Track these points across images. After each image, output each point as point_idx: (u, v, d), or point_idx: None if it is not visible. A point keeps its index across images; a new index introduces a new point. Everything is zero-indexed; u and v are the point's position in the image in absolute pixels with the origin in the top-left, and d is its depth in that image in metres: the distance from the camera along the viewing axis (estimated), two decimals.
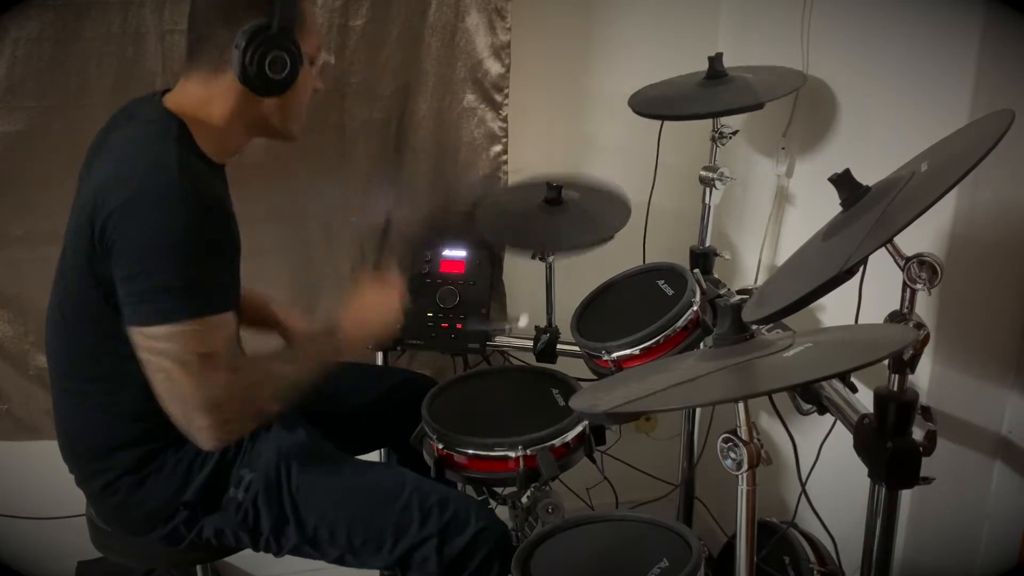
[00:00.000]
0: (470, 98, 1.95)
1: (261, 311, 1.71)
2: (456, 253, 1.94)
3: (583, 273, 1.81)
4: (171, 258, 1.25)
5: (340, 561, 1.47)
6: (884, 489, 1.23)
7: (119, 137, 1.39)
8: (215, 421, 1.27)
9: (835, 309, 1.68)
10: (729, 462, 1.04)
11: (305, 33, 1.40)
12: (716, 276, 1.92)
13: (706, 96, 1.76)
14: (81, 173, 1.45)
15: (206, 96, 1.38)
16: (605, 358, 1.59)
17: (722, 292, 1.77)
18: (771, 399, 1.45)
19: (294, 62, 1.37)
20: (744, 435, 1.02)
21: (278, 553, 1.48)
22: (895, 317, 1.16)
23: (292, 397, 1.38)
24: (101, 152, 1.40)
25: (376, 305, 1.57)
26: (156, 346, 1.26)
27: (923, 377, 1.48)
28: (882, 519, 1.24)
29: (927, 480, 1.20)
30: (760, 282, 1.98)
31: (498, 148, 2.00)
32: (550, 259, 1.81)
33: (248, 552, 1.55)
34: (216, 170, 1.41)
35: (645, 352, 1.56)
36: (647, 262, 1.85)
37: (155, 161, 1.29)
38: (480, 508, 1.50)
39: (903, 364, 1.17)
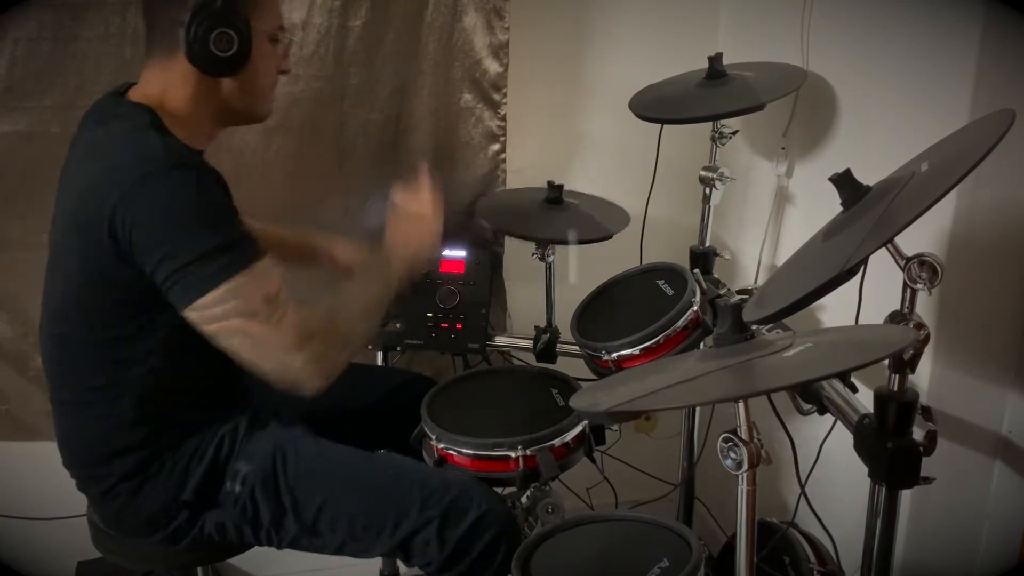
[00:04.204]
0: (468, 98, 1.95)
1: (303, 248, 1.75)
2: (456, 253, 1.94)
3: (583, 273, 1.81)
4: (192, 228, 1.25)
5: (341, 550, 1.46)
6: (884, 489, 1.23)
7: (93, 139, 1.37)
8: (310, 355, 1.29)
9: (835, 309, 1.68)
10: (729, 462, 1.04)
11: (261, 10, 1.38)
12: (716, 276, 1.92)
13: (706, 97, 1.75)
14: (59, 184, 1.42)
15: (166, 84, 1.36)
16: (605, 358, 1.59)
17: (722, 292, 1.77)
18: (770, 399, 1.45)
19: (243, 39, 1.34)
20: (744, 435, 1.02)
21: (280, 545, 1.47)
22: (895, 317, 1.16)
23: (374, 316, 1.39)
24: (77, 157, 1.38)
25: (415, 220, 1.58)
26: (217, 311, 1.25)
27: (923, 377, 1.48)
28: (882, 519, 1.24)
29: (927, 480, 1.20)
30: (760, 282, 1.98)
31: (496, 147, 1.99)
32: (550, 259, 1.81)
33: (248, 553, 1.55)
34: (194, 155, 1.38)
35: (645, 352, 1.56)
36: (647, 262, 1.85)
37: (141, 150, 1.28)
38: (483, 492, 1.47)
39: (903, 364, 1.17)
